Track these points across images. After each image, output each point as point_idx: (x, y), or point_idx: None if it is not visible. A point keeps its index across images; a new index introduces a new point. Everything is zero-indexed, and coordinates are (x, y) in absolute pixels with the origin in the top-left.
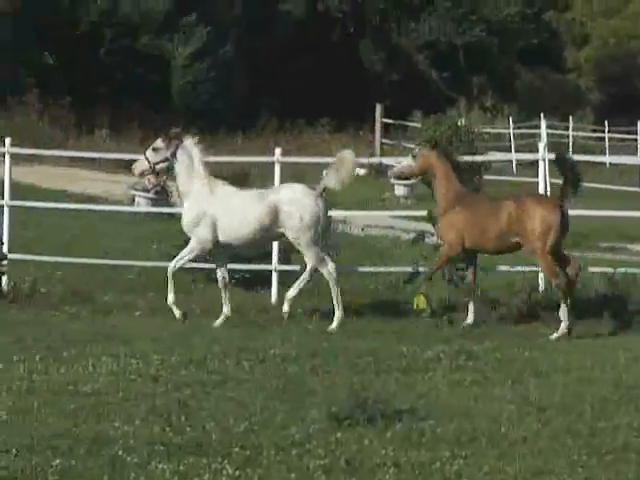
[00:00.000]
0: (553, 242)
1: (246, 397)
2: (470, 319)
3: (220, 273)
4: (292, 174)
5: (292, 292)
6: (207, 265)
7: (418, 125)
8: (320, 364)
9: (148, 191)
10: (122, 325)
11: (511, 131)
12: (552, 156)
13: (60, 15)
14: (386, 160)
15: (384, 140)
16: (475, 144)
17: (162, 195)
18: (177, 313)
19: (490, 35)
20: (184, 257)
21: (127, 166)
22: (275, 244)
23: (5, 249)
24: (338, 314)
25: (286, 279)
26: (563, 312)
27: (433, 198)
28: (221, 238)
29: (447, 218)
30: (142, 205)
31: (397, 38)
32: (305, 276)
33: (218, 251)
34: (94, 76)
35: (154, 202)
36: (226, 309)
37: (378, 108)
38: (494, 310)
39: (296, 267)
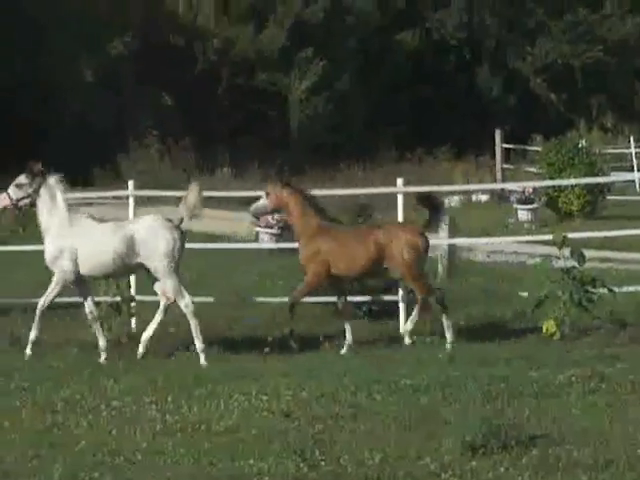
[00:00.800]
0: (422, 264)
1: (379, 429)
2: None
3: (88, 308)
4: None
5: (147, 333)
6: (333, 299)
7: (538, 149)
8: (452, 393)
9: (272, 227)
10: (251, 362)
11: (633, 150)
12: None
13: (176, 57)
14: (509, 185)
15: (505, 165)
16: (597, 165)
17: (286, 231)
18: (28, 350)
19: (607, 55)
20: (50, 293)
21: (249, 203)
22: None
23: (132, 291)
24: (200, 346)
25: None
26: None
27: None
28: (82, 270)
29: (309, 250)
30: (266, 241)
31: (513, 62)
32: (159, 314)
33: (81, 285)
34: (213, 115)
35: (278, 238)
36: (101, 343)
37: (497, 133)
38: (624, 331)
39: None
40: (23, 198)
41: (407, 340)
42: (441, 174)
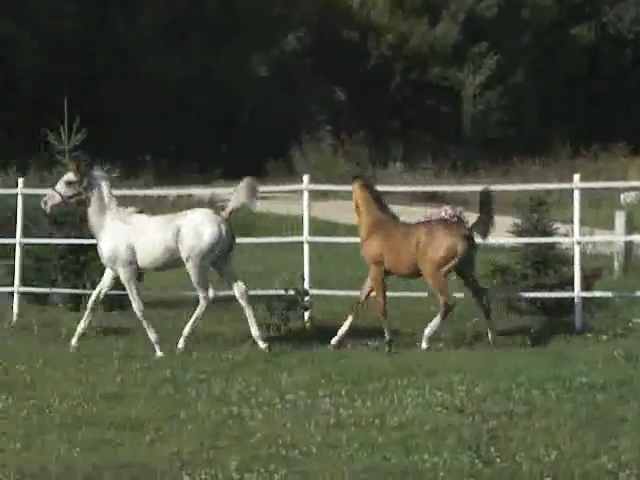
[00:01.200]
0: (453, 266)
1: (554, 426)
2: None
3: (95, 296)
4: (589, 200)
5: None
6: (508, 294)
7: None
8: (629, 391)
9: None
10: (426, 357)
11: None
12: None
13: (349, 52)
14: None
15: None
16: None
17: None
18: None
19: None
20: (133, 296)
21: (423, 198)
22: (577, 271)
23: (307, 285)
24: (186, 331)
25: (589, 306)
26: (432, 326)
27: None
28: (140, 263)
29: (367, 243)
30: None
31: None
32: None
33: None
34: (385, 110)
35: None
36: (80, 327)
37: None
38: None
39: (599, 293)
40: (73, 196)
41: (424, 345)
42: (617, 170)
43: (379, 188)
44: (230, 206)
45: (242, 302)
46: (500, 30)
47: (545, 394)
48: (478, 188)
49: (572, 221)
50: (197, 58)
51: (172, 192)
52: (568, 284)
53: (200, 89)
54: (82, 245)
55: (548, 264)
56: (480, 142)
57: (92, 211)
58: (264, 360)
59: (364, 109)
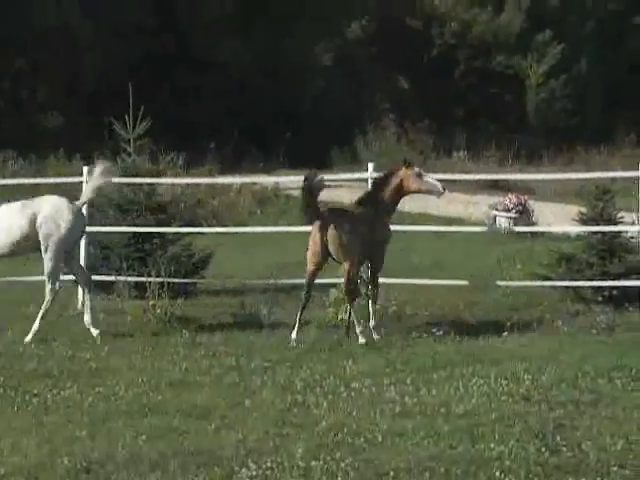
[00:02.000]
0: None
1: (621, 415)
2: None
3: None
4: None
5: (87, 318)
6: (573, 283)
7: None
8: None
9: (509, 210)
10: (490, 346)
11: None
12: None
13: (413, 40)
14: None
15: None
16: None
17: (524, 215)
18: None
19: None
20: None
21: (486, 187)
22: None
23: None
24: (35, 326)
25: None
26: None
27: None
28: None
29: None
30: (503, 225)
31: None
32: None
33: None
34: (449, 98)
35: (515, 221)
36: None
37: None
38: None
39: None
40: None
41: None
42: None
43: (442, 177)
44: (85, 195)
45: (85, 289)
46: (564, 18)
47: (611, 383)
48: (542, 177)
49: (637, 209)
50: (261, 46)
51: (237, 180)
52: (633, 273)
53: (264, 77)
54: (148, 233)
55: (613, 253)
56: (544, 130)
57: None
58: (329, 349)
59: (427, 97)
